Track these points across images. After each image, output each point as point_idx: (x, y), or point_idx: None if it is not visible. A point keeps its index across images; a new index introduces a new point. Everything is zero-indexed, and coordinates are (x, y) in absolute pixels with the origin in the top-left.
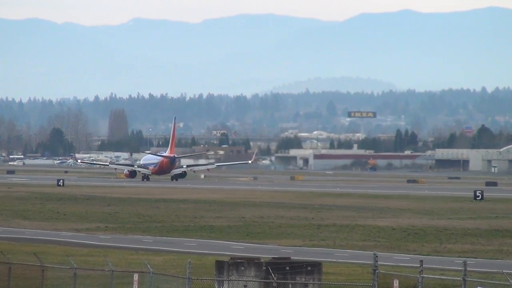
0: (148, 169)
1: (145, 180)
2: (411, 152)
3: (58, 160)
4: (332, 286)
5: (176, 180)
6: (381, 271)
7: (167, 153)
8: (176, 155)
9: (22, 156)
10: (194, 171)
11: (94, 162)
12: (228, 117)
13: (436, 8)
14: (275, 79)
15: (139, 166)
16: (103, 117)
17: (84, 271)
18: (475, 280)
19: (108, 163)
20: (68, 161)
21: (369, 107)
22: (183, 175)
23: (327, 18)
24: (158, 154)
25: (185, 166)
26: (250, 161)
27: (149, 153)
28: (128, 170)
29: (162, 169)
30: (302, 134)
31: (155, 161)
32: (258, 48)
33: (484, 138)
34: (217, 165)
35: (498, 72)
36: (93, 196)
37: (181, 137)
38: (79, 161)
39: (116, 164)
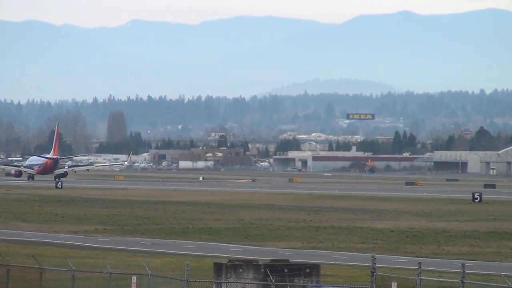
0: (33, 169)
1: (30, 179)
2: (410, 154)
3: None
4: None
5: (59, 179)
6: (379, 273)
7: (50, 155)
8: (59, 157)
9: (21, 158)
10: (75, 171)
11: None
12: (227, 119)
13: (435, 9)
14: (274, 81)
15: (25, 167)
16: (101, 119)
17: (82, 273)
18: (473, 282)
19: None
20: None
21: (367, 109)
22: (64, 175)
23: (325, 20)
24: (43, 156)
25: (66, 167)
26: (126, 163)
27: (34, 155)
28: (15, 170)
29: (46, 169)
30: (301, 136)
31: (40, 162)
32: (257, 50)
33: (482, 140)
34: (96, 166)
35: (497, 74)
36: (91, 198)
37: (180, 139)
38: None
39: (4, 164)
